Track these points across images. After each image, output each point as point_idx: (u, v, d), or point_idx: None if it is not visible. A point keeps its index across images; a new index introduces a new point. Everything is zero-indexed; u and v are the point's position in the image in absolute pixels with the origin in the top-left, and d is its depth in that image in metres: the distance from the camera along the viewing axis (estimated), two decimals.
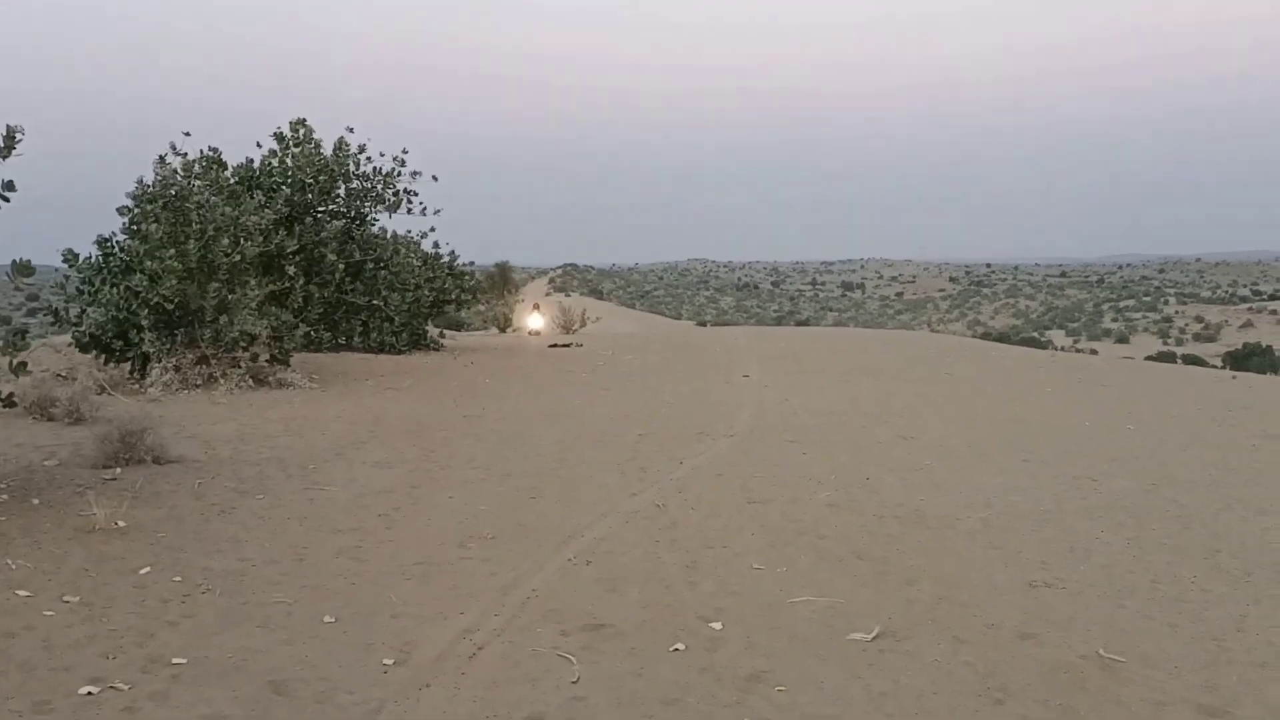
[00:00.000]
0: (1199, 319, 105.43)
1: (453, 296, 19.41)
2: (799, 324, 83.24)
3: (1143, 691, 4.84)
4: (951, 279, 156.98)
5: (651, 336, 26.62)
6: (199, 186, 14.42)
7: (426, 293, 18.35)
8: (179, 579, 5.95)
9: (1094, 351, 64.78)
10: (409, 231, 19.16)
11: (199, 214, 13.20)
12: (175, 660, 4.86)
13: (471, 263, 20.95)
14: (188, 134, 15.26)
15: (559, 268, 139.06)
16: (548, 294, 76.84)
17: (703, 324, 70.80)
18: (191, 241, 12.91)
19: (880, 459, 9.78)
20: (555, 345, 21.06)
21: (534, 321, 28.30)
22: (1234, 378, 20.04)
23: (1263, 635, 5.54)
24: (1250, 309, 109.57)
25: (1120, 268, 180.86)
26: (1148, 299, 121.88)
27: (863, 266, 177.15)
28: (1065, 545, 7.08)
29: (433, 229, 19.07)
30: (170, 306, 12.85)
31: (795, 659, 5.13)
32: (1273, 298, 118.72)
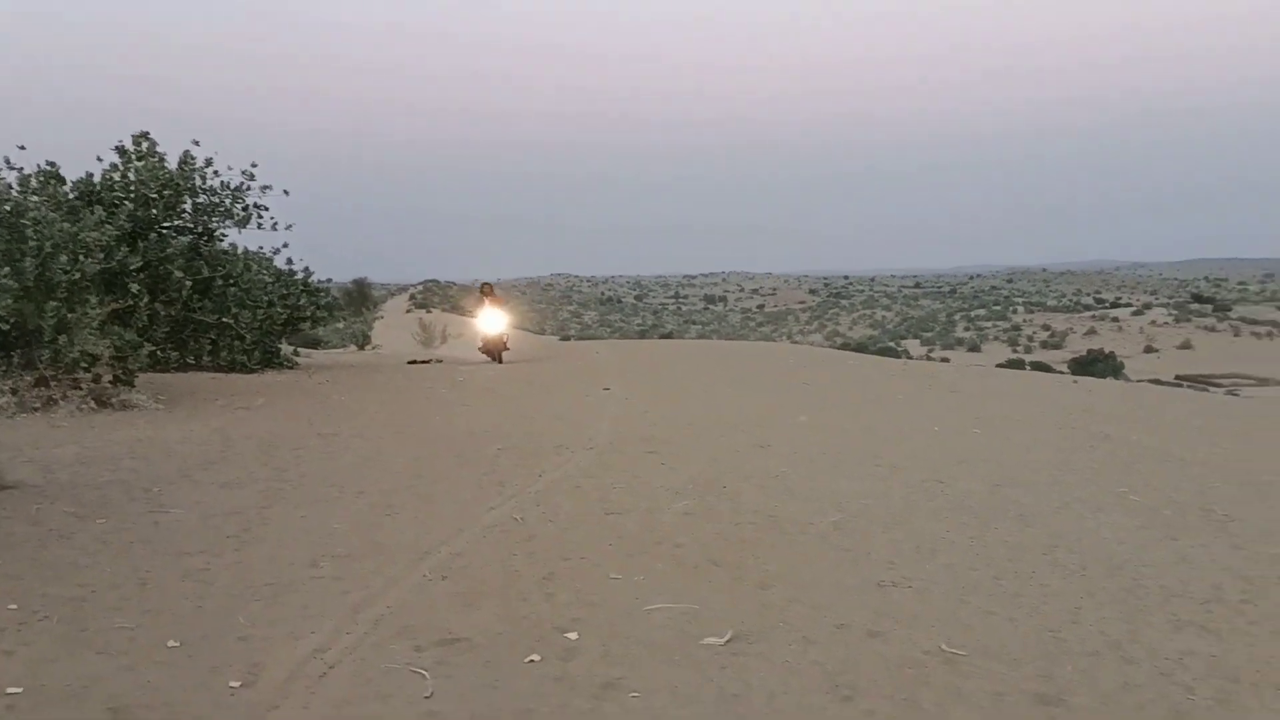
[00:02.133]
0: (1046, 327, 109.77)
1: (308, 314, 18.98)
2: (663, 337, 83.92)
3: (983, 683, 5.01)
4: (811, 291, 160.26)
5: (514, 351, 26.50)
6: (35, 202, 13.84)
7: (279, 310, 17.91)
8: (14, 606, 5.68)
9: (946, 359, 66.80)
10: (260, 247, 18.70)
11: (35, 230, 12.65)
12: (10, 690, 4.65)
13: (328, 279, 20.58)
14: (22, 148, 14.66)
15: (420, 284, 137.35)
16: (408, 310, 75.79)
17: (566, 339, 70.85)
18: (28, 259, 12.36)
19: (737, 467, 9.92)
20: (414, 361, 20.81)
21: (492, 323, 20.97)
22: (1075, 382, 20.90)
23: (1095, 626, 5.79)
24: (1093, 316, 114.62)
25: (971, 278, 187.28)
26: (998, 308, 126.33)
27: (725, 280, 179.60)
28: (912, 545, 7.29)
29: (285, 245, 18.64)
30: (6, 327, 12.28)
31: (650, 665, 5.17)
32: (1114, 305, 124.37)
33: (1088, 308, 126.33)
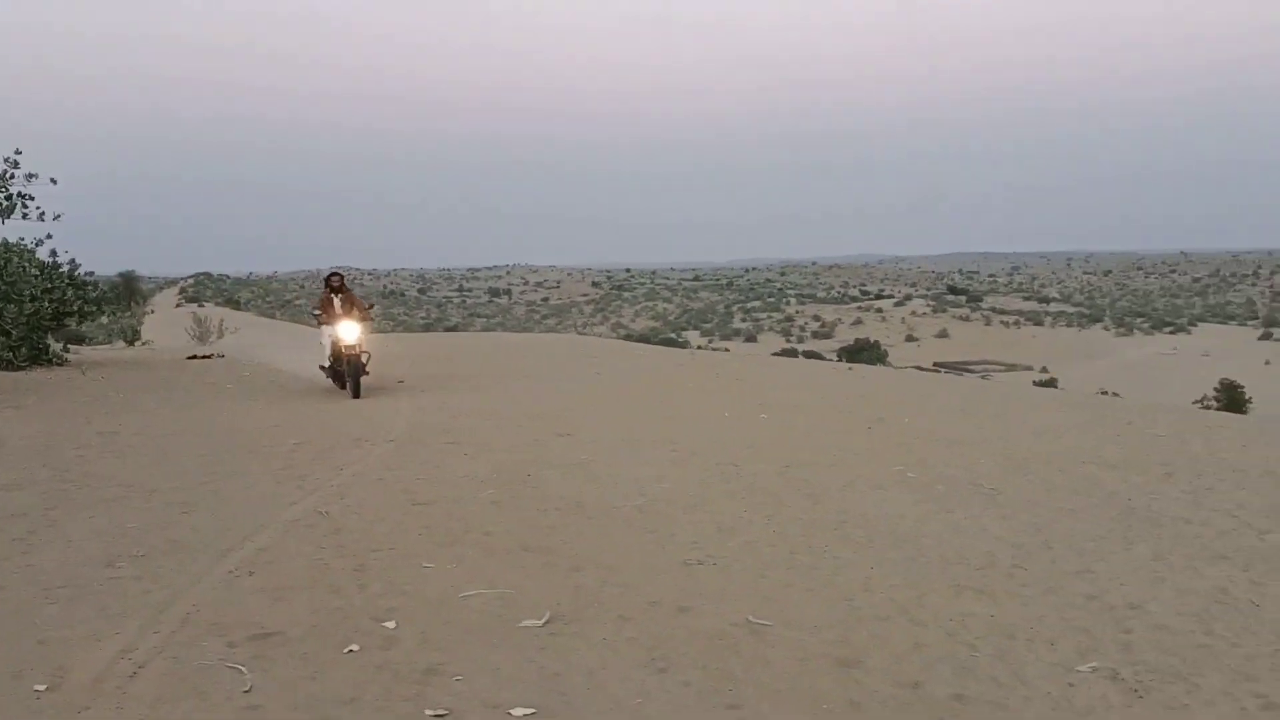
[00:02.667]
0: (816, 318, 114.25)
1: (74, 308, 17.99)
2: (448, 330, 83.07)
3: (788, 650, 5.33)
4: (594, 284, 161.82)
5: (297, 346, 25.76)
6: None
7: (46, 304, 16.92)
8: None
9: (726, 349, 68.69)
10: (22, 239, 17.59)
11: None
12: None
13: (91, 273, 19.50)
14: None
15: (191, 277, 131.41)
16: (178, 305, 72.52)
17: None
18: None
19: (540, 456, 10.05)
20: (194, 356, 20.04)
21: (346, 332, 14.26)
22: (850, 369, 21.96)
23: (885, 593, 6.21)
24: (859, 308, 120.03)
25: (747, 271, 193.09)
26: (772, 300, 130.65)
27: (509, 272, 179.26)
28: (714, 526, 7.60)
29: (49, 236, 17.60)
30: None
31: (470, 649, 5.26)
32: (878, 297, 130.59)
33: (854, 299, 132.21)
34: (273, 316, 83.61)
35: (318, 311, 14.96)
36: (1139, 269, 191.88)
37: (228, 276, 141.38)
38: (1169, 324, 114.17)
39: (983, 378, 48.00)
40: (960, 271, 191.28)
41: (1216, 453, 10.49)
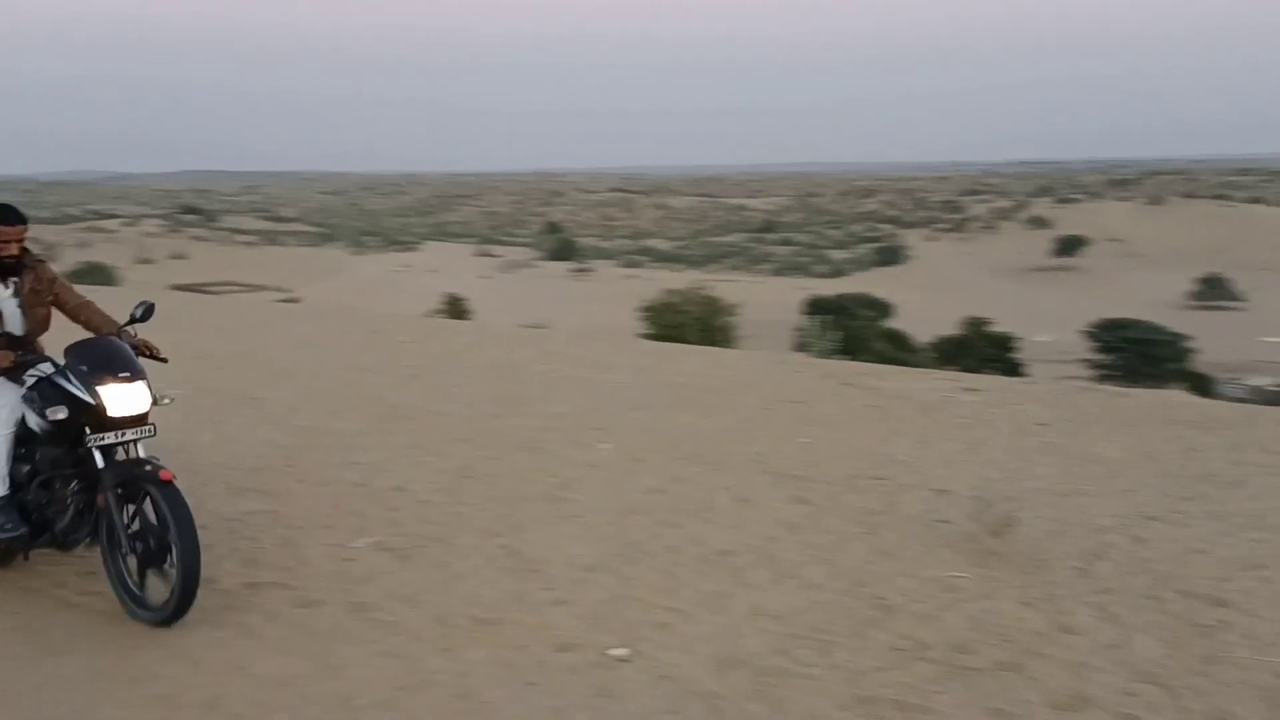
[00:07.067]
0: (36, 240, 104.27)
1: None
2: None
3: None
4: None
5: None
6: None
7: None
8: None
9: None
10: None
11: None
12: None
13: None
14: None
15: None
16: None
17: None
18: None
19: None
20: None
21: (123, 399, 4.86)
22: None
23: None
24: (86, 228, 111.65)
25: None
26: None
27: None
28: None
29: None
30: None
31: None
32: (105, 217, 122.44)
33: (79, 219, 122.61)
34: None
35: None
36: (369, 189, 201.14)
37: None
38: (399, 242, 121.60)
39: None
40: (193, 190, 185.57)
41: (452, 355, 11.80)
